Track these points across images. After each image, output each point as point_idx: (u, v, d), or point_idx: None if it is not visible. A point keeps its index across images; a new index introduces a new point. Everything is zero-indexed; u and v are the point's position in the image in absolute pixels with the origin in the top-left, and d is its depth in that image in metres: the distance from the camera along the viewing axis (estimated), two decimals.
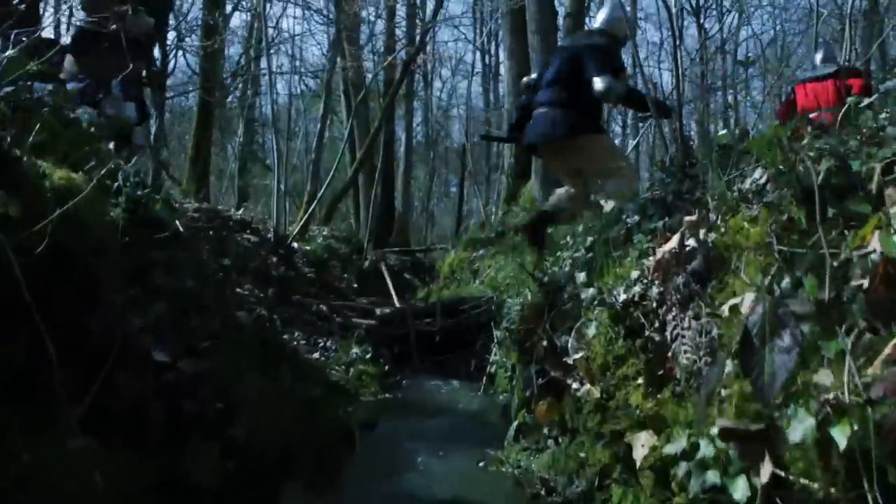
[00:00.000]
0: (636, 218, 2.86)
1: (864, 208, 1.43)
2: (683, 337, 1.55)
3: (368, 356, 3.74)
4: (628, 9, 29.60)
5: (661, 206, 2.68)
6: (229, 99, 20.05)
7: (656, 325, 1.77)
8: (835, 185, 1.42)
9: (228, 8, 18.51)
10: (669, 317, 1.62)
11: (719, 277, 1.69)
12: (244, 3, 19.22)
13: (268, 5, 19.46)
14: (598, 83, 4.39)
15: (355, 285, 8.88)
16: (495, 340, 3.32)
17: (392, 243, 22.63)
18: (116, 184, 1.99)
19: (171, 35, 16.36)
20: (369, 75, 19.51)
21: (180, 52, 19.06)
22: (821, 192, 1.36)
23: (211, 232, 5.96)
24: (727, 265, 1.71)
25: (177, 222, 2.50)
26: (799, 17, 28.17)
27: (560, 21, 13.61)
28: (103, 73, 4.76)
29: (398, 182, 23.88)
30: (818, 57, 6.66)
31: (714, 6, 29.99)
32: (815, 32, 11.31)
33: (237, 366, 2.51)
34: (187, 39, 18.92)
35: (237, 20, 40.23)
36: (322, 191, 9.32)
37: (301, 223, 7.45)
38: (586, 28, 5.23)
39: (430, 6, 25.73)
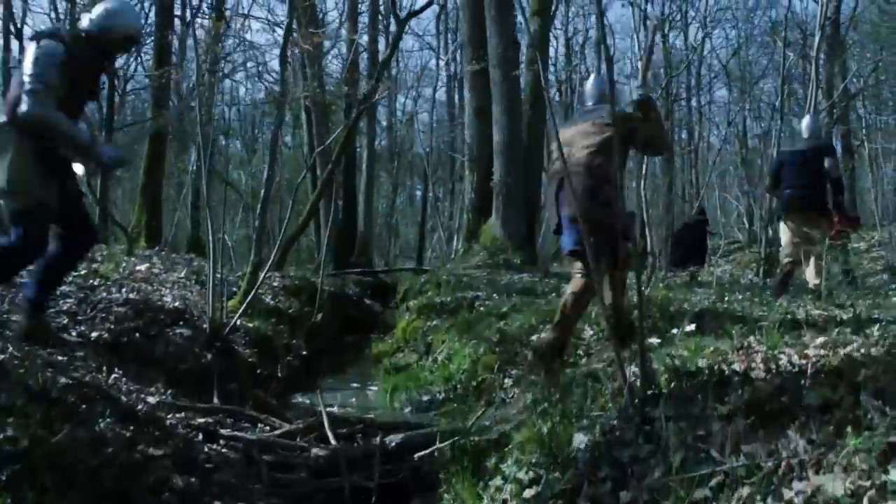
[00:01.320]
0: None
1: None
2: None
3: None
4: (593, 17, 29.17)
5: (616, 466, 2.29)
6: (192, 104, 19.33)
7: None
8: None
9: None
10: None
11: None
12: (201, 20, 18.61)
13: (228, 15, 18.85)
14: (832, 163, 7.23)
15: (304, 352, 8.42)
16: None
17: (354, 263, 22.19)
18: None
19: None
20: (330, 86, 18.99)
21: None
22: None
23: (137, 334, 5.48)
24: None
25: None
26: (762, 32, 28.11)
27: (523, 52, 13.23)
28: None
29: (360, 198, 23.37)
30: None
31: (679, 18, 29.93)
32: (783, 73, 11.07)
33: None
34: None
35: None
36: (278, 244, 8.81)
37: (244, 302, 6.92)
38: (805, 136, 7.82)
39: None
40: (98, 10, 4.44)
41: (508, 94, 12.22)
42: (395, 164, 27.43)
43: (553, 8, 20.91)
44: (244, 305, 6.73)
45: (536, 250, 12.25)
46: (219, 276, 6.39)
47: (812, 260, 7.09)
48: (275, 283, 10.37)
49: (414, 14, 10.53)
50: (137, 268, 8.47)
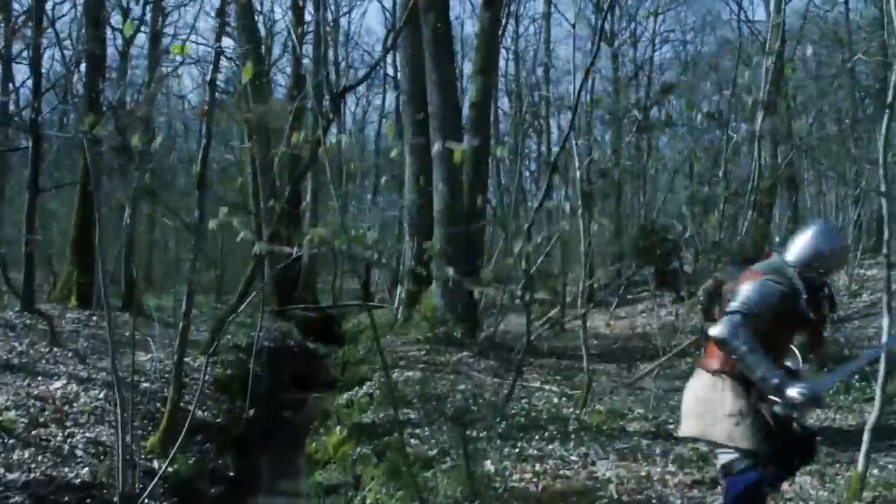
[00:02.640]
0: None
1: None
2: None
3: None
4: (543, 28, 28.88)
5: None
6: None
7: None
8: None
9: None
10: None
11: None
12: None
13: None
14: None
15: (231, 473, 8.08)
16: None
17: (298, 299, 21.81)
18: None
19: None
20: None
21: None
22: None
23: None
24: None
25: None
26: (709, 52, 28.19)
27: (465, 114, 12.97)
28: None
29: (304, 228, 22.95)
30: None
31: (627, 34, 29.93)
32: (725, 160, 10.96)
33: None
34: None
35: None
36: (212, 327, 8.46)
37: (166, 463, 6.54)
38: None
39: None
40: (802, 244, 4.14)
41: (449, 162, 11.95)
42: (343, 180, 26.87)
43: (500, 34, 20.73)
44: (164, 468, 6.37)
45: (476, 322, 12.01)
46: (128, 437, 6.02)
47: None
48: (207, 377, 10.01)
49: (349, 89, 10.21)
50: (52, 387, 8.08)
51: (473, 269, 12.41)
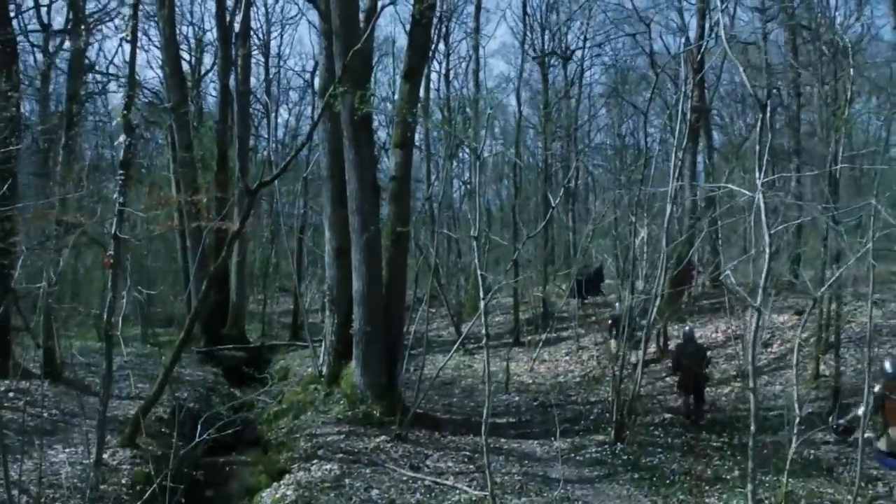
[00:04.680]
0: None
1: None
2: None
3: None
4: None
5: None
6: None
7: None
8: None
9: None
10: None
11: None
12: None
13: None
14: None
15: None
16: None
17: (226, 336, 21.85)
18: None
19: None
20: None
21: None
22: None
23: None
24: None
25: None
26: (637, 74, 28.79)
27: (384, 193, 13.14)
28: None
29: (232, 272, 22.94)
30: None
31: (559, 53, 30.28)
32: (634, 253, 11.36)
33: None
34: None
35: None
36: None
37: None
38: None
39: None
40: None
41: (368, 243, 12.13)
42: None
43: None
44: None
45: (396, 399, 12.25)
46: None
47: None
48: (122, 478, 10.05)
49: (265, 184, 10.31)
50: None
51: (393, 347, 12.66)
